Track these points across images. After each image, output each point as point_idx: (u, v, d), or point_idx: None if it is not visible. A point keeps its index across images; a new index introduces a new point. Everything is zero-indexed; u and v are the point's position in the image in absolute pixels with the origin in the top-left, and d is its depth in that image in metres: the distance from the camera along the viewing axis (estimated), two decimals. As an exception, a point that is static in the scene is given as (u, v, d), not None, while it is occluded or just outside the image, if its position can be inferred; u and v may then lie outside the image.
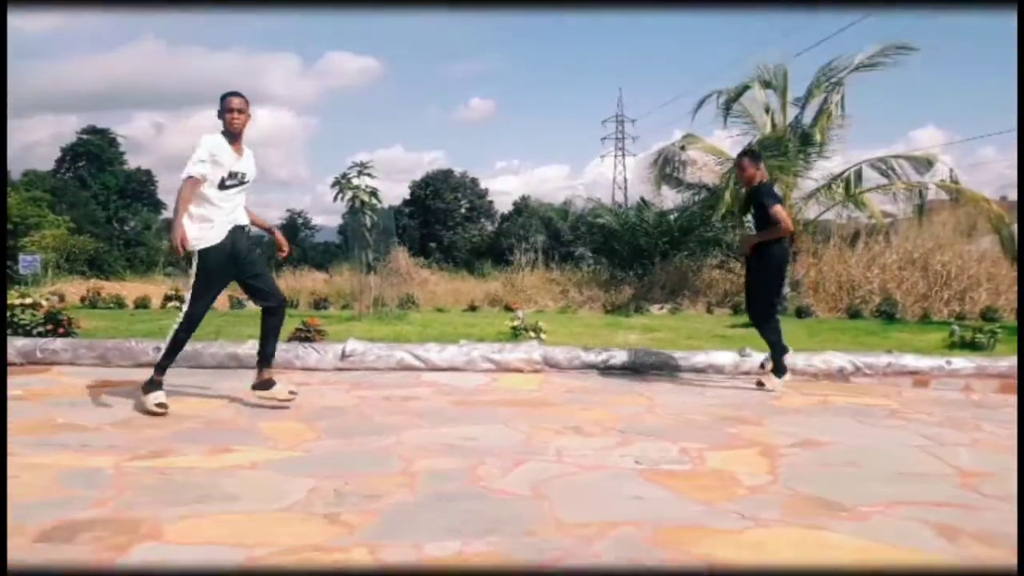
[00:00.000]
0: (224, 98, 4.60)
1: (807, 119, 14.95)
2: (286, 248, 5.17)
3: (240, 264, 4.71)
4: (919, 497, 3.15)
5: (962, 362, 6.59)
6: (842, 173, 15.15)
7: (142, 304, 13.69)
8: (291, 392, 4.89)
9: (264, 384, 4.87)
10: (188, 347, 6.53)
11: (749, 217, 6.03)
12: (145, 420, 4.41)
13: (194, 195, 4.48)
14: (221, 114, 4.59)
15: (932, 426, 4.62)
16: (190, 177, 4.44)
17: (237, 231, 4.67)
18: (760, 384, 5.82)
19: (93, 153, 51.64)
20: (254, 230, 5.06)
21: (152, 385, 4.66)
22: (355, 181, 10.45)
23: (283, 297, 5.00)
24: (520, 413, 4.85)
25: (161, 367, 4.73)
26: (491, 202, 58.19)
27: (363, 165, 10.52)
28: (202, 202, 4.53)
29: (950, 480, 3.44)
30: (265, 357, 4.90)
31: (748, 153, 6.23)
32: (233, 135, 4.59)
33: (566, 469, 3.51)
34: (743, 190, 6.27)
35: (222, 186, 4.55)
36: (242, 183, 4.65)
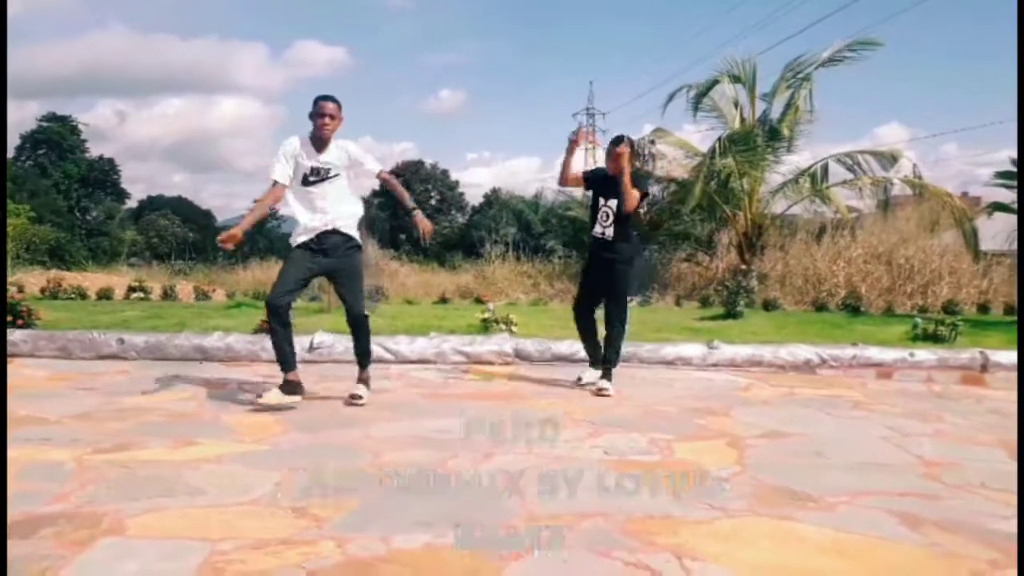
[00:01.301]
0: (316, 101, 4.53)
1: (775, 114, 15.11)
2: (426, 232, 4.74)
3: (330, 267, 4.68)
4: (883, 487, 3.19)
5: (925, 354, 6.72)
6: (809, 168, 15.34)
7: (105, 295, 13.42)
8: (353, 396, 4.69)
9: (359, 379, 4.83)
10: (152, 338, 6.47)
11: (607, 203, 5.29)
12: (108, 413, 4.33)
13: (280, 198, 4.63)
14: (312, 117, 4.54)
15: (896, 417, 4.69)
16: (274, 183, 4.60)
17: (329, 235, 4.58)
18: (601, 391, 5.19)
19: (54, 141, 50.63)
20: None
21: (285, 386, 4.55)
22: (323, 172, 10.34)
23: (357, 311, 4.74)
24: (491, 406, 4.84)
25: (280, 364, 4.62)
26: (462, 194, 58.06)
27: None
28: (290, 203, 4.63)
29: (913, 470, 3.49)
30: (357, 358, 4.89)
31: (628, 140, 5.28)
32: (321, 140, 4.56)
33: (537, 461, 3.51)
34: (610, 174, 5.25)
35: (305, 182, 4.57)
36: (326, 178, 4.56)
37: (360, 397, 4.70)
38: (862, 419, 4.67)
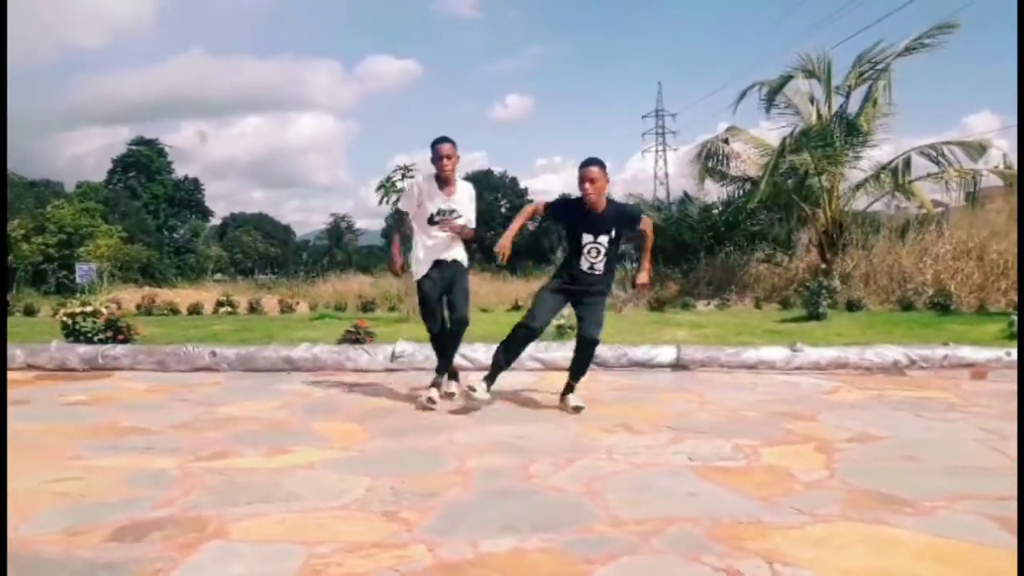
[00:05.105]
0: (434, 145, 4.95)
1: (852, 108, 14.69)
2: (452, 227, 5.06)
3: (444, 284, 5.04)
4: (982, 491, 3.09)
5: (1022, 353, 6.42)
6: (890, 162, 14.84)
7: (195, 310, 14.00)
8: (429, 400, 4.94)
9: (434, 384, 5.14)
10: (242, 351, 6.71)
11: (597, 239, 4.76)
12: (205, 423, 4.53)
13: (412, 228, 5.16)
14: (433, 161, 4.96)
15: (992, 419, 4.51)
16: (397, 210, 5.27)
17: (442, 263, 5.02)
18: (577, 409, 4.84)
19: (143, 163, 53.00)
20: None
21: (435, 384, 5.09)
22: (399, 184, 10.58)
23: (458, 316, 5.07)
24: (568, 412, 4.86)
25: (441, 367, 5.18)
26: (531, 201, 58.27)
27: (407, 168, 10.66)
28: (416, 236, 5.12)
29: (1012, 473, 3.36)
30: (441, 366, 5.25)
31: (598, 161, 4.78)
32: (444, 179, 4.98)
33: (618, 466, 3.52)
34: (593, 206, 4.73)
35: (431, 221, 5.00)
36: (449, 219, 4.99)
37: (433, 402, 4.96)
38: (957, 421, 4.50)
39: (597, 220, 4.78)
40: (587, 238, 4.79)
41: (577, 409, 4.81)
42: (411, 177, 10.60)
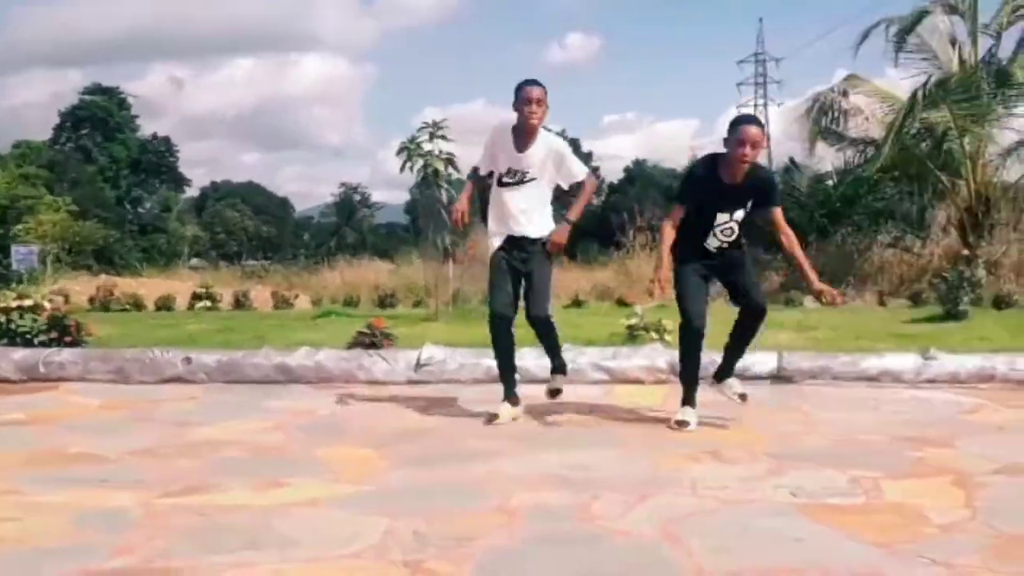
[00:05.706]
0: (520, 88, 5.09)
1: (1005, 52, 14.44)
2: (552, 244, 5.25)
3: (521, 267, 5.18)
4: None
5: None
6: (1054, 121, 14.57)
7: (165, 305, 14.20)
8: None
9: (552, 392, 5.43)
10: (225, 357, 6.83)
11: (733, 216, 4.92)
12: (176, 448, 4.59)
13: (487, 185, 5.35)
14: (515, 105, 5.08)
15: None
16: (473, 170, 5.44)
17: (514, 240, 5.17)
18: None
19: (99, 117, 53.22)
20: None
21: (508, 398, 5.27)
22: (426, 146, 10.54)
23: (535, 313, 5.23)
24: (642, 434, 4.88)
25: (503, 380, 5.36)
26: (597, 168, 58.16)
27: (436, 126, 10.60)
28: (491, 198, 5.28)
29: None
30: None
31: (757, 120, 5.21)
32: (526, 130, 5.08)
33: (704, 504, 3.52)
34: (735, 176, 4.84)
35: (500, 182, 5.19)
36: (522, 182, 5.11)
37: (559, 391, 5.39)
38: None
39: (735, 194, 4.89)
40: (722, 218, 4.93)
41: (743, 397, 5.22)
42: (441, 137, 10.58)
